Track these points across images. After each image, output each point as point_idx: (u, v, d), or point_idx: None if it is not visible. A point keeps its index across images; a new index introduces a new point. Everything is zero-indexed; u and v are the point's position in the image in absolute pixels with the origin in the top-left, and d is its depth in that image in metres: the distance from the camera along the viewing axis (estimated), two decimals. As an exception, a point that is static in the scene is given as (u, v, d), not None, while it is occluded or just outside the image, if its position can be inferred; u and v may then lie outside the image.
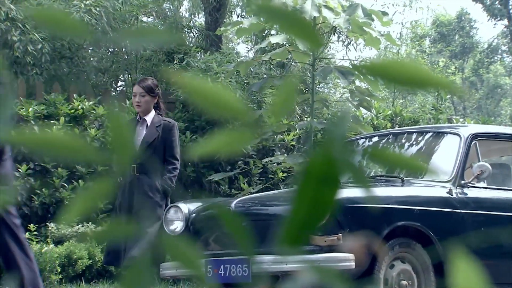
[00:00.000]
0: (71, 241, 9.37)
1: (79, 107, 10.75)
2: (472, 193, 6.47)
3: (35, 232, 9.55)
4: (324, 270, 0.71)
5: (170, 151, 6.55)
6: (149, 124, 6.58)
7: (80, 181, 10.20)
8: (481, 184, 6.52)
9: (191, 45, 13.36)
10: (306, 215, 0.68)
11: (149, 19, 14.47)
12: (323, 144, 0.65)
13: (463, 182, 6.45)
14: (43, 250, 8.87)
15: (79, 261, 9.09)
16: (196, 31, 14.43)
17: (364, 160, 0.71)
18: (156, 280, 8.75)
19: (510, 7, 30.73)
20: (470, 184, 6.45)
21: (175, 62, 12.64)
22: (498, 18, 31.07)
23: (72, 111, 10.72)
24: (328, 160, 0.65)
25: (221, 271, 6.12)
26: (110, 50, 13.49)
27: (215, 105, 0.70)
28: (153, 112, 6.65)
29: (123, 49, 13.12)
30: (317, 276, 0.71)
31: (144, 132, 6.53)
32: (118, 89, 13.62)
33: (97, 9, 11.98)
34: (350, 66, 8.82)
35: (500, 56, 32.14)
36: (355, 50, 15.35)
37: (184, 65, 11.94)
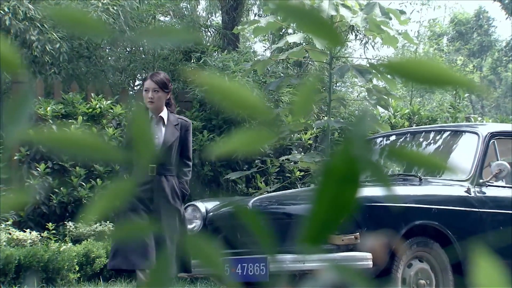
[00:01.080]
0: (89, 239, 9.40)
1: (97, 106, 10.79)
2: (490, 192, 6.44)
3: (54, 231, 9.60)
4: (343, 269, 0.71)
5: (186, 152, 6.18)
6: (166, 123, 6.13)
7: (98, 180, 10.23)
8: (500, 183, 6.49)
9: (208, 44, 13.38)
10: (327, 214, 0.68)
11: (166, 18, 14.50)
12: (343, 143, 0.65)
13: (481, 181, 6.42)
14: (61, 249, 8.91)
15: (97, 259, 9.12)
16: (213, 30, 14.45)
17: (383, 159, 0.71)
18: (174, 279, 8.77)
19: (529, 5, 30.54)
20: (489, 183, 6.42)
21: (192, 61, 12.66)
22: (517, 16, 30.87)
23: (90, 110, 10.76)
24: (349, 159, 0.65)
25: (238, 270, 6.12)
26: (128, 49, 13.53)
27: (234, 103, 0.70)
28: (165, 110, 6.15)
29: (141, 48, 13.16)
30: (336, 275, 0.71)
31: (164, 131, 6.08)
32: (135, 88, 13.66)
33: (115, 8, 12.02)
34: (368, 65, 8.79)
35: (518, 55, 31.95)
36: (373, 48, 15.33)
37: (201, 64, 11.96)
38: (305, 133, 11.37)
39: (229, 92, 0.71)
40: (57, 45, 11.66)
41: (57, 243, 9.12)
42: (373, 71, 7.94)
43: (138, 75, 13.64)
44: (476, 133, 6.73)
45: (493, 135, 6.70)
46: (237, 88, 0.72)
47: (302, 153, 10.76)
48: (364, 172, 0.67)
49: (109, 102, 10.87)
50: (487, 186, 6.42)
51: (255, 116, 0.70)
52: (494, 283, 0.69)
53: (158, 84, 6.06)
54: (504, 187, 6.55)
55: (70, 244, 9.20)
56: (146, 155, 0.75)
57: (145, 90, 6.13)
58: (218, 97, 0.71)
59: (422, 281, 6.00)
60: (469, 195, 6.32)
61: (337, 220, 0.68)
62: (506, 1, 30.02)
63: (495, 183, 6.45)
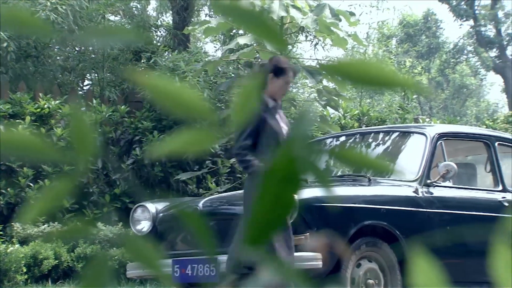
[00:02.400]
0: (36, 241, 9.29)
1: (45, 106, 10.66)
2: (438, 192, 6.52)
3: (1, 232, 9.46)
4: (287, 270, 0.71)
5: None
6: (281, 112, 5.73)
7: (46, 180, 10.11)
8: (447, 183, 6.58)
9: (158, 44, 13.31)
10: (267, 214, 0.68)
11: (116, 18, 14.39)
12: (285, 143, 0.66)
13: (429, 181, 6.50)
14: (8, 250, 8.78)
15: (45, 261, 9.01)
16: (164, 30, 14.39)
17: (330, 160, 0.71)
18: (123, 280, 8.71)
19: (476, 7, 31.03)
20: (436, 184, 6.51)
21: (142, 61, 12.59)
22: (464, 19, 31.36)
23: (38, 110, 10.64)
24: (290, 160, 0.65)
25: (188, 270, 6.11)
26: (77, 49, 13.40)
27: (178, 104, 0.70)
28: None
29: (90, 48, 13.04)
30: (280, 276, 0.72)
31: (284, 120, 5.66)
32: (84, 88, 13.53)
33: (63, 7, 11.89)
34: (318, 66, 8.85)
35: (465, 57, 32.43)
36: (323, 50, 15.40)
37: (151, 64, 11.90)
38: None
39: (173, 93, 0.71)
40: (5, 44, 11.50)
41: (4, 245, 8.99)
42: (323, 72, 7.99)
43: (87, 75, 13.51)
44: (424, 134, 6.81)
45: (440, 136, 6.79)
46: (181, 89, 0.72)
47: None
48: (305, 172, 0.67)
49: (57, 102, 10.76)
50: (434, 187, 6.51)
51: (200, 117, 0.70)
52: (431, 282, 0.70)
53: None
54: (451, 187, 6.65)
55: (17, 245, 9.07)
56: (85, 155, 0.75)
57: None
58: (159, 98, 0.71)
59: (371, 281, 6.05)
60: (417, 195, 6.39)
61: (278, 220, 0.68)
62: (454, 4, 30.45)
63: (443, 184, 6.54)
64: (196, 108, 0.70)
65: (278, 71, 5.59)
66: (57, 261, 9.12)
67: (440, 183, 6.51)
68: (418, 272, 0.71)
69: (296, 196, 0.69)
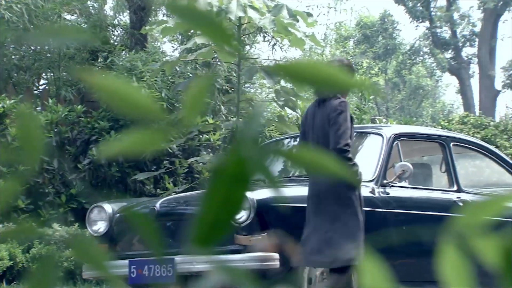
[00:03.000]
0: (-9, 242, 9.17)
1: (0, 105, 10.53)
2: (394, 192, 6.57)
3: (-46, 234, 9.31)
4: (234, 270, 0.71)
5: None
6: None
7: (0, 180, 9.99)
8: (403, 183, 6.63)
9: (115, 43, 13.23)
10: (216, 215, 0.68)
11: (72, 17, 14.27)
12: (234, 144, 0.66)
13: (385, 181, 6.55)
14: (-38, 252, 8.65)
15: (0, 262, 8.90)
16: (121, 29, 14.30)
17: (282, 161, 0.72)
18: (79, 281, 8.64)
19: (432, 9, 31.36)
20: (392, 184, 6.56)
21: (99, 60, 12.50)
22: (420, 20, 31.68)
23: (-7, 109, 10.50)
24: (238, 160, 0.65)
25: (145, 271, 6.07)
26: (32, 48, 13.25)
27: (127, 104, 0.69)
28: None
29: (46, 47, 12.91)
30: (228, 276, 0.72)
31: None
32: (40, 87, 13.39)
33: (18, 6, 11.75)
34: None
35: (422, 58, 32.76)
36: (281, 50, 15.42)
37: (108, 64, 11.82)
38: (214, 134, 11.37)
39: (120, 93, 0.70)
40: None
41: (-42, 246, 8.85)
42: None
43: (43, 74, 13.38)
44: (381, 135, 6.86)
45: (397, 136, 6.84)
46: (129, 89, 0.71)
47: (211, 154, 10.76)
48: (254, 172, 0.67)
49: (12, 101, 10.63)
50: (390, 187, 6.56)
51: (148, 117, 0.70)
52: (378, 283, 0.70)
53: None
54: (407, 187, 6.70)
55: (-29, 247, 8.94)
56: (33, 155, 0.74)
57: None
58: (109, 97, 0.70)
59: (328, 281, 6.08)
60: (374, 196, 6.44)
61: (226, 221, 0.68)
62: (410, 5, 30.74)
63: (399, 184, 6.59)
64: (145, 108, 0.70)
65: (351, 71, 5.74)
66: (12, 262, 9.01)
67: (396, 183, 6.56)
68: (366, 272, 0.71)
69: (245, 196, 0.69)
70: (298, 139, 5.57)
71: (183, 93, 10.78)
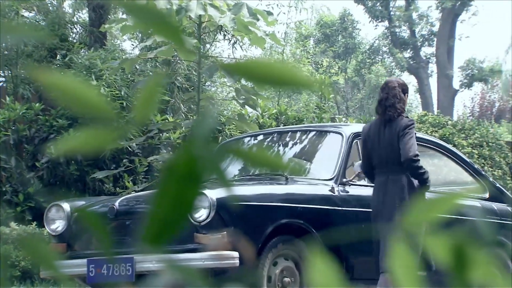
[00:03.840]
0: None
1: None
2: (353, 190, 6.61)
3: None
4: (186, 269, 0.71)
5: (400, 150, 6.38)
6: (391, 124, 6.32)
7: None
8: (362, 182, 6.67)
9: (74, 41, 13.12)
10: (167, 214, 0.68)
11: (31, 14, 14.12)
12: (186, 142, 0.66)
13: (344, 180, 6.59)
14: None
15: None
16: (80, 27, 14.18)
17: (233, 159, 0.72)
18: (37, 280, 8.55)
19: (391, 9, 31.60)
20: (352, 182, 6.59)
21: (57, 58, 12.39)
22: (379, 20, 31.90)
23: (-51, 107, 10.35)
24: (189, 158, 0.65)
25: (104, 270, 6.03)
26: (-10, 45, 13.08)
27: (78, 103, 0.69)
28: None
29: (3, 45, 12.75)
30: (178, 275, 0.71)
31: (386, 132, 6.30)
32: (-2, 85, 13.22)
33: (-24, 2, 11.60)
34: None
35: (381, 57, 32.99)
36: (241, 49, 15.43)
37: (67, 62, 11.72)
38: (174, 132, 11.34)
39: (71, 90, 0.69)
40: None
41: None
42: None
43: (1, 72, 13.22)
44: (340, 133, 6.90)
45: (356, 135, 6.88)
46: (79, 86, 0.70)
47: (171, 153, 10.71)
48: (205, 171, 0.67)
49: (-31, 99, 10.49)
50: (350, 185, 6.59)
51: (98, 115, 0.69)
52: (328, 281, 0.71)
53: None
54: (366, 186, 6.75)
55: None
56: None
57: None
58: (60, 96, 0.69)
59: (287, 279, 6.09)
60: (333, 194, 6.47)
61: (178, 220, 0.68)
62: (369, 5, 30.95)
63: (358, 182, 6.63)
64: (97, 106, 0.69)
65: (405, 89, 6.43)
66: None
67: (355, 181, 6.60)
68: (315, 270, 0.72)
69: (197, 195, 0.69)
70: (362, 159, 6.24)
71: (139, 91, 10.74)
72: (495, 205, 7.38)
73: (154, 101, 0.70)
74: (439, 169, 7.64)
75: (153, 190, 0.71)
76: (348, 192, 6.56)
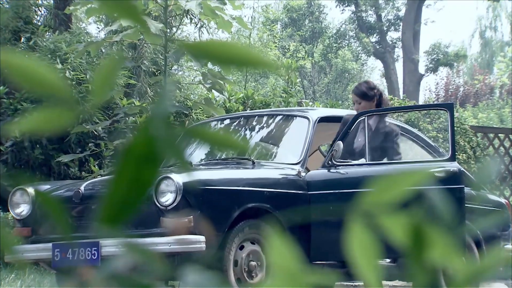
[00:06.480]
0: None
1: None
2: (318, 175, 6.63)
3: None
4: (141, 252, 0.71)
5: (387, 155, 6.71)
6: (372, 128, 6.69)
7: None
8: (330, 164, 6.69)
9: (39, 24, 12.98)
10: (124, 195, 0.68)
11: (-5, -4, 13.93)
12: (143, 124, 0.65)
13: (336, 162, 6.60)
14: None
15: None
16: (45, 9, 14.03)
17: (189, 139, 0.72)
18: (1, 265, 8.49)
19: (358, -6, 31.64)
20: (346, 162, 6.62)
21: (21, 41, 12.25)
22: (346, 4, 31.96)
23: None
24: (147, 140, 0.65)
25: (69, 254, 6.01)
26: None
27: (30, 81, 0.68)
28: (375, 116, 6.81)
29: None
30: (137, 258, 0.71)
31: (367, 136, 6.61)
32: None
33: None
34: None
35: (347, 42, 33.09)
36: (208, 33, 15.38)
37: (31, 45, 11.59)
38: (140, 117, 11.28)
39: (26, 70, 0.69)
40: None
41: None
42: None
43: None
44: (307, 117, 6.92)
45: (322, 119, 6.91)
46: (35, 66, 0.70)
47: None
48: (164, 153, 0.67)
49: None
50: (340, 167, 6.62)
51: (53, 94, 0.69)
52: (286, 262, 0.71)
53: (358, 96, 6.77)
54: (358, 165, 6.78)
55: None
56: None
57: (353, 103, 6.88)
58: (15, 74, 0.69)
59: (253, 263, 6.11)
60: (299, 178, 6.49)
61: (135, 202, 0.68)
62: (337, -10, 30.98)
63: (352, 162, 6.66)
64: (49, 85, 0.69)
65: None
66: None
67: (350, 162, 6.63)
68: (274, 250, 0.72)
69: (154, 176, 0.69)
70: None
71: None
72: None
73: (110, 83, 0.70)
74: (404, 153, 7.70)
75: (111, 171, 0.71)
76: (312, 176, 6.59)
